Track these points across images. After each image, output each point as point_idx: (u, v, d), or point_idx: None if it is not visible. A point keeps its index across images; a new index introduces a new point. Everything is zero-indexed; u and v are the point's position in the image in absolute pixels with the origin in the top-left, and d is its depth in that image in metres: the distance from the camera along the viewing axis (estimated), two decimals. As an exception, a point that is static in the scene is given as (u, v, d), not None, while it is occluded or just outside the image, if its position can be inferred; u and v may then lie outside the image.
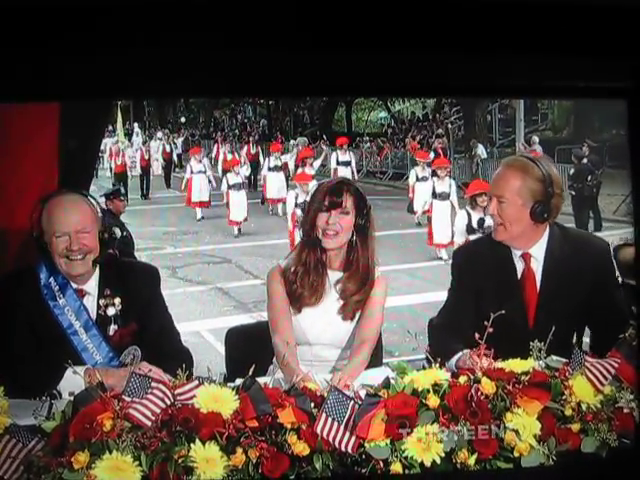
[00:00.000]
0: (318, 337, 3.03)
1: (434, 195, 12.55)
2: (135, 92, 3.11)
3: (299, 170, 15.31)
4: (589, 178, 14.15)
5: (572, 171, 14.75)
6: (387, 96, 23.42)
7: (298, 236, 3.47)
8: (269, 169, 17.58)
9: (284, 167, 18.17)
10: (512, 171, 2.93)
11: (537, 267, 2.98)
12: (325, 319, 3.03)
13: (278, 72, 2.23)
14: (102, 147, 24.82)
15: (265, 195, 17.71)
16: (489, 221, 3.14)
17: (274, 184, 17.30)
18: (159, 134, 27.73)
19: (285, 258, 3.12)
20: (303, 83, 2.38)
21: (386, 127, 31.84)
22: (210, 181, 17.79)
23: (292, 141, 23.40)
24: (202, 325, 8.27)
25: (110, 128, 26.25)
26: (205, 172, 17.76)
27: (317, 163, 16.92)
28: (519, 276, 2.99)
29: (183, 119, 35.96)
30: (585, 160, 14.80)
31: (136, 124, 31.45)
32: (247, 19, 2.02)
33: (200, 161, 17.86)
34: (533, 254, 2.98)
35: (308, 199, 3.09)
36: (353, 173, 17.70)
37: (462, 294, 3.07)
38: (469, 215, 9.08)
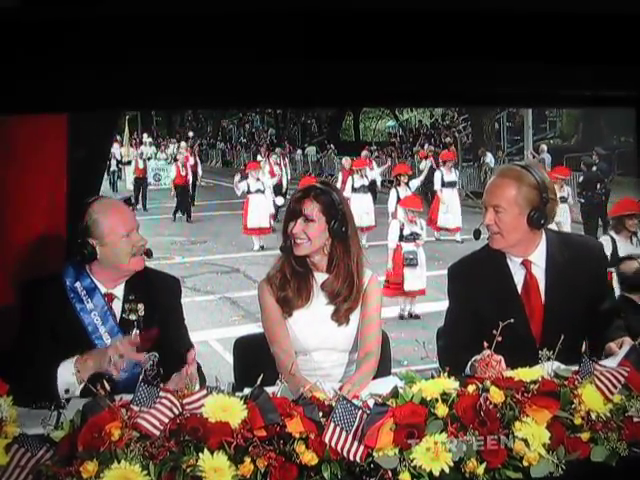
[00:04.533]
0: (315, 342, 3.03)
1: None
2: (143, 103, 3.13)
3: (392, 192, 12.71)
4: (598, 186, 14.11)
5: (581, 179, 14.75)
6: (395, 106, 23.38)
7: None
8: (354, 189, 14.95)
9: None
10: (507, 180, 2.94)
11: (539, 274, 2.98)
12: (318, 322, 3.04)
13: (286, 83, 2.24)
14: (129, 159, 24.81)
15: None
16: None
17: (361, 208, 14.31)
18: (182, 144, 27.51)
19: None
20: (312, 94, 2.38)
21: (393, 136, 31.86)
22: (274, 202, 15.58)
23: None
24: (210, 334, 8.28)
25: (118, 138, 26.32)
26: (264, 192, 15.23)
27: (415, 183, 14.54)
28: (520, 288, 2.98)
29: (191, 133, 35.94)
30: (594, 168, 14.79)
31: (145, 134, 31.50)
32: (254, 31, 2.02)
33: (258, 179, 15.29)
34: (534, 260, 2.98)
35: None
36: (460, 195, 15.01)
37: (461, 314, 3.07)
38: (614, 241, 6.85)
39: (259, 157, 23.07)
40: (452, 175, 15.27)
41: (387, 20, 1.99)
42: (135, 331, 2.87)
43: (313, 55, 2.10)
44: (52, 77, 2.16)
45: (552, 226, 9.87)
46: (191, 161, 22.02)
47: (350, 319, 3.05)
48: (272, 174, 17.84)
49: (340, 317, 3.04)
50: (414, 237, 9.16)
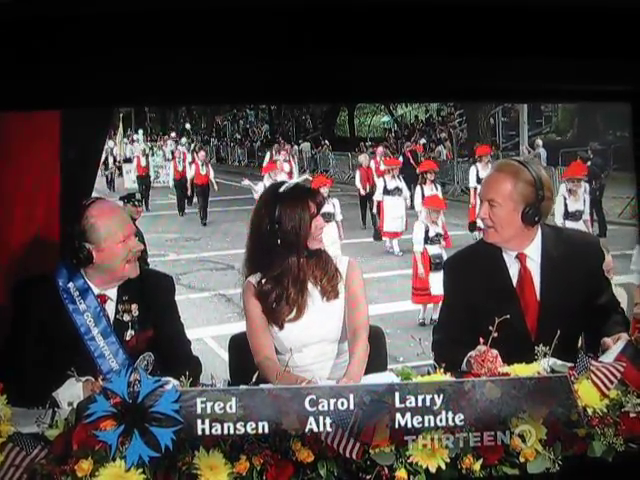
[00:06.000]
0: (305, 339, 3.03)
1: (566, 215, 9.90)
2: (137, 100, 3.11)
3: (417, 191, 11.65)
4: (593, 182, 14.09)
5: (577, 173, 14.74)
6: (390, 101, 23.35)
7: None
8: (386, 191, 13.56)
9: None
10: (503, 175, 2.94)
11: (534, 268, 2.98)
12: (309, 320, 3.04)
13: (282, 79, 2.23)
14: (125, 156, 24.37)
15: (382, 227, 13.64)
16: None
17: (395, 212, 13.17)
18: (183, 140, 27.08)
19: (246, 271, 3.14)
20: (307, 89, 2.38)
21: (388, 132, 31.77)
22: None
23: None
24: (205, 332, 8.26)
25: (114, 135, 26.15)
26: None
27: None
28: (515, 282, 2.98)
29: (188, 125, 35.64)
30: (589, 163, 14.78)
31: (141, 131, 31.33)
32: (249, 27, 2.02)
33: (276, 180, 13.24)
34: (528, 254, 2.99)
35: (284, 211, 2.95)
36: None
37: (456, 307, 3.07)
38: None
39: (268, 155, 22.59)
40: (488, 171, 13.29)
41: (384, 15, 1.99)
42: (130, 332, 2.85)
43: (309, 51, 2.09)
44: (44, 74, 2.15)
45: (579, 225, 9.42)
46: (189, 158, 21.08)
47: (338, 292, 3.06)
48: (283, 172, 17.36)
49: (328, 292, 3.05)
50: (439, 239, 8.83)
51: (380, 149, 18.16)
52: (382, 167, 15.20)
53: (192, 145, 24.95)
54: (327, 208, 10.18)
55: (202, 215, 18.04)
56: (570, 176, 10.07)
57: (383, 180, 13.82)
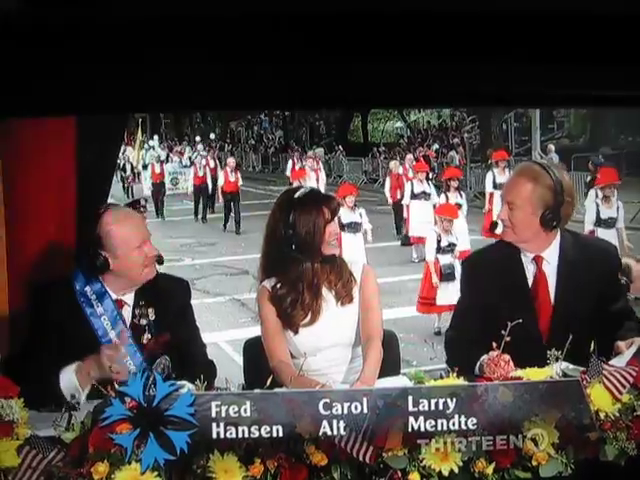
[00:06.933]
0: (320, 343, 3.05)
1: (598, 222, 9.62)
2: (151, 106, 3.13)
3: (442, 198, 11.37)
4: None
5: (588, 179, 14.74)
6: (403, 107, 23.35)
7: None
8: (413, 195, 13.59)
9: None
10: (523, 178, 2.96)
11: (550, 271, 3.00)
12: (323, 324, 3.05)
13: (295, 85, 2.25)
14: (144, 163, 24.29)
15: (408, 231, 13.79)
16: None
17: (422, 216, 12.98)
18: (199, 147, 27.01)
19: (261, 276, 3.17)
20: (319, 95, 2.39)
21: (401, 138, 31.81)
22: None
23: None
24: (220, 336, 8.30)
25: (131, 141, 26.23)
26: None
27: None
28: (530, 283, 3.00)
29: (212, 135, 35.53)
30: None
31: (156, 137, 31.38)
32: (263, 33, 2.03)
33: None
34: (545, 257, 3.00)
35: (298, 216, 2.95)
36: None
37: (470, 304, 3.10)
38: None
39: (290, 163, 22.42)
40: (505, 176, 12.37)
41: (397, 21, 2.00)
42: (147, 335, 2.87)
43: (321, 57, 2.11)
44: (59, 80, 2.17)
45: (612, 232, 8.99)
46: (211, 164, 21.18)
47: (353, 297, 3.07)
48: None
49: (342, 296, 3.06)
50: (451, 248, 8.71)
51: (409, 155, 18.18)
52: (410, 174, 15.36)
53: (209, 152, 24.93)
54: (354, 218, 10.27)
55: (237, 225, 17.65)
56: (604, 183, 9.80)
57: (411, 184, 13.79)
